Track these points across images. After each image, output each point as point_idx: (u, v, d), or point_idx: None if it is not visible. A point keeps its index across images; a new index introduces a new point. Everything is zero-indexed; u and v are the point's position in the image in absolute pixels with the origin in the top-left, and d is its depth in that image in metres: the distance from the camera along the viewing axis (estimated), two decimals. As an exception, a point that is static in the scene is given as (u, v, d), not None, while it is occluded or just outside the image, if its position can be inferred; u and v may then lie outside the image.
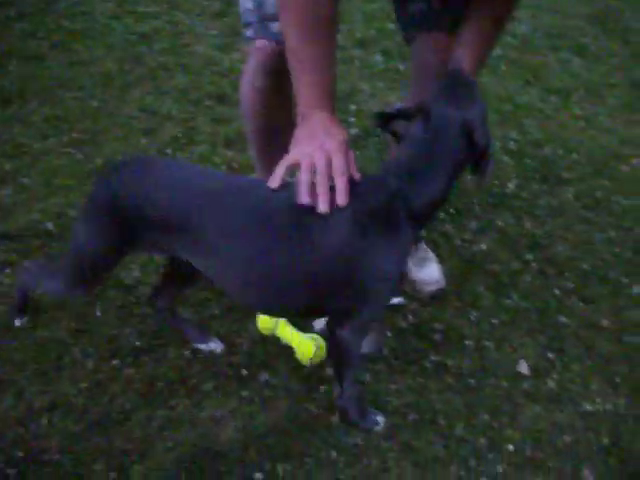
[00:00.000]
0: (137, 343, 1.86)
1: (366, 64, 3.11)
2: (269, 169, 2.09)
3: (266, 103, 1.93)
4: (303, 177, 1.36)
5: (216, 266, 1.50)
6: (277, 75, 1.83)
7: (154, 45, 3.09)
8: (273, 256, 1.41)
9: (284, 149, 2.09)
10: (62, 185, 2.32)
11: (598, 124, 2.91)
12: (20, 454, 1.57)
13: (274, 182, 1.40)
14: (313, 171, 1.36)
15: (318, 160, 1.35)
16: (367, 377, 1.82)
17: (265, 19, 1.80)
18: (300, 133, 1.43)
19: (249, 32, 1.86)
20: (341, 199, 1.34)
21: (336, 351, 1.57)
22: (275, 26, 1.77)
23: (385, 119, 1.45)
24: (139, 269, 2.06)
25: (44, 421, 1.65)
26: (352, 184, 1.38)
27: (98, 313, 1.93)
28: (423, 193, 1.40)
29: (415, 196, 1.39)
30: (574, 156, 2.69)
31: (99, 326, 1.90)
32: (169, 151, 2.48)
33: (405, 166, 1.40)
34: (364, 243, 1.37)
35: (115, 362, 1.81)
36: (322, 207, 1.34)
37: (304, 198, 1.35)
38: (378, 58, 3.14)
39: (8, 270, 2.00)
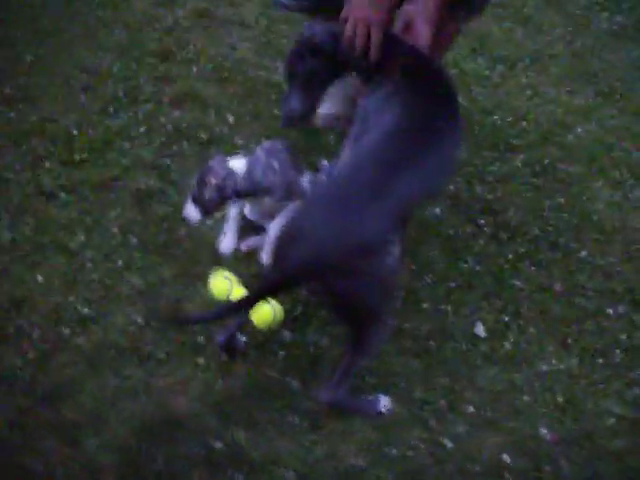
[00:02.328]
0: (84, 310, 1.76)
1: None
2: None
3: None
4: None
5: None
6: None
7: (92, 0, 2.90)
8: None
9: None
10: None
11: (542, 93, 2.92)
12: (-37, 431, 1.47)
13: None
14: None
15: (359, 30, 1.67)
16: (325, 341, 1.78)
17: None
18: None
19: None
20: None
21: None
22: None
23: None
24: (84, 233, 1.95)
25: (-13, 389, 1.55)
26: None
27: (40, 279, 1.82)
28: None
29: None
30: (523, 124, 2.70)
31: (43, 294, 1.79)
32: (111, 109, 2.35)
33: None
34: None
35: (62, 331, 1.71)
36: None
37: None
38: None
39: None
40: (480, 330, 1.90)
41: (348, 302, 1.48)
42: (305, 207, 1.58)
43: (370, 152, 1.57)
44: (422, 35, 1.74)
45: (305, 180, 1.91)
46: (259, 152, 1.86)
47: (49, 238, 1.92)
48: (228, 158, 1.85)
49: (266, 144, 1.91)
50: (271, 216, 1.92)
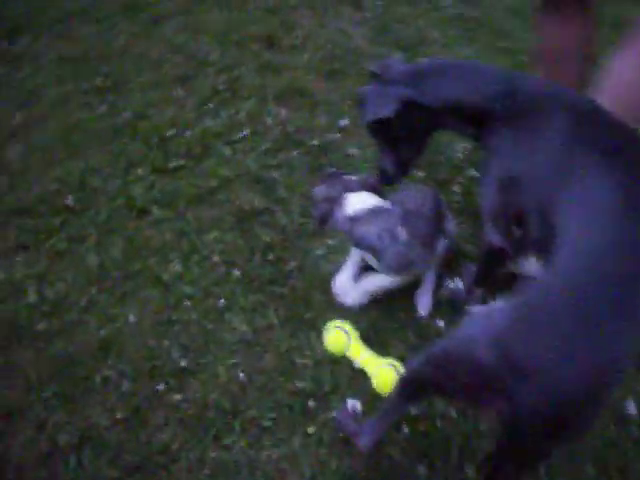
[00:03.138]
0: (181, 361, 1.53)
1: (435, 7, 2.64)
2: None
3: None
4: None
5: None
6: None
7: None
8: None
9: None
10: (82, 144, 1.91)
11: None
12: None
13: None
14: None
15: None
16: (456, 414, 1.52)
17: None
18: None
19: None
20: None
21: None
22: None
23: None
24: (180, 261, 1.70)
25: (72, 461, 1.36)
26: None
27: (132, 318, 1.59)
28: None
29: None
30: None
31: (133, 335, 1.56)
32: (210, 106, 2.06)
33: None
34: None
35: (155, 384, 1.49)
36: None
37: None
38: (449, 2, 2.67)
39: (20, 258, 1.62)
40: (631, 407, 1.61)
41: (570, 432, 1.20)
42: (523, 327, 1.19)
43: (604, 251, 1.21)
44: None
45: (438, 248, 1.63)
46: (397, 208, 1.56)
47: (140, 265, 1.69)
48: (361, 188, 1.58)
49: (412, 195, 1.60)
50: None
